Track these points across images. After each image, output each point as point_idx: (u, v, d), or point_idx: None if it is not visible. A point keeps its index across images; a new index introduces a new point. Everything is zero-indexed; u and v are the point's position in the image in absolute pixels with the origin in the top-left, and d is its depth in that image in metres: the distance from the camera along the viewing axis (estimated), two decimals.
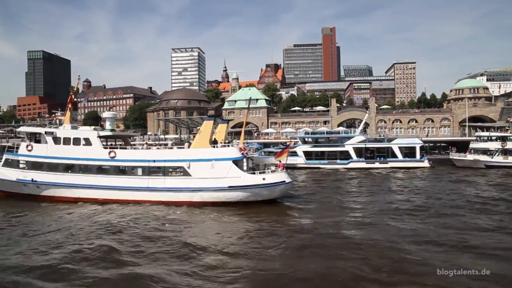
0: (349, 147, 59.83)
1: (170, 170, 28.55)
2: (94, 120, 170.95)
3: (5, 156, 32.77)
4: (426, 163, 57.14)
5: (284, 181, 28.41)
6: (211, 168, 27.66)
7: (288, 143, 50.97)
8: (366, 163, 58.94)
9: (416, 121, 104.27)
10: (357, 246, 18.18)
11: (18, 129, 34.83)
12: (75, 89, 36.14)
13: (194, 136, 73.91)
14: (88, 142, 30.61)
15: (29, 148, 31.52)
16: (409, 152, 58.08)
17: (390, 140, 60.95)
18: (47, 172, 30.71)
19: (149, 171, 28.72)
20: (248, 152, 36.40)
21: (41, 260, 16.85)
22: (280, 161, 30.24)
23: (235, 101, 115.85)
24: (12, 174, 31.66)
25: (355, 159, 59.63)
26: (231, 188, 27.48)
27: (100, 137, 30.96)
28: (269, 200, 28.48)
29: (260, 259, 16.76)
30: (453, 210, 26.55)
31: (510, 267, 15.46)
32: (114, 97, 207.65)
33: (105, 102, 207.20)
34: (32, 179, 30.84)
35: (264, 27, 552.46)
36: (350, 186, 40.91)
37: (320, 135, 63.68)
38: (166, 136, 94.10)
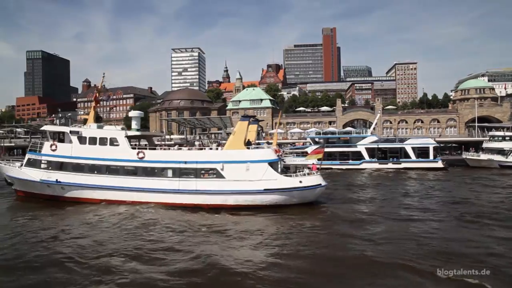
0: (361, 147, 59.07)
1: (203, 172, 27.60)
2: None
3: (27, 156, 31.72)
4: (439, 164, 56.40)
5: (320, 184, 27.67)
6: (246, 170, 26.83)
7: (300, 143, 49.95)
8: (379, 163, 58.17)
9: (422, 122, 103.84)
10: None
11: (41, 128, 33.74)
12: (100, 87, 34.79)
13: (200, 137, 73.32)
14: (115, 142, 29.64)
15: (53, 147, 30.54)
16: (422, 153, 57.31)
17: (402, 140, 60.24)
18: (72, 173, 29.70)
19: (180, 173, 27.81)
20: (282, 154, 35.56)
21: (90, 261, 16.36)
22: (313, 163, 29.61)
23: (239, 101, 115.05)
24: (35, 175, 30.63)
25: (367, 159, 58.87)
26: (267, 191, 26.66)
27: (127, 137, 29.99)
28: (303, 203, 27.74)
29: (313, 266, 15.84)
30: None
31: None
32: (114, 97, 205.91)
33: (105, 102, 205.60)
34: (57, 179, 29.80)
35: (262, 28, 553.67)
36: (379, 188, 39.39)
37: (331, 135, 62.90)
38: (172, 137, 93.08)
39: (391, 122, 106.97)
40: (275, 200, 27.00)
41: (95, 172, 29.44)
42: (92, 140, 30.01)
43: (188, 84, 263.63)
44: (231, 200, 27.00)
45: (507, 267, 15.09)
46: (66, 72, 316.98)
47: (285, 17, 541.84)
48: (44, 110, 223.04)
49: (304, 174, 27.67)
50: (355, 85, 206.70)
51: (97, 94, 34.13)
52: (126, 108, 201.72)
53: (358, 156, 59.30)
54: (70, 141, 30.49)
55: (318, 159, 29.88)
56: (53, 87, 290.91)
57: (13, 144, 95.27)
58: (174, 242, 19.14)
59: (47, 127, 33.06)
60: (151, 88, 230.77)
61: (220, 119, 64.33)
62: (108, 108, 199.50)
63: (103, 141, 29.80)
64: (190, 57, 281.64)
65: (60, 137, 31.44)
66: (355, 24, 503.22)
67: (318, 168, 28.96)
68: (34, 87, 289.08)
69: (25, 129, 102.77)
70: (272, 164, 27.21)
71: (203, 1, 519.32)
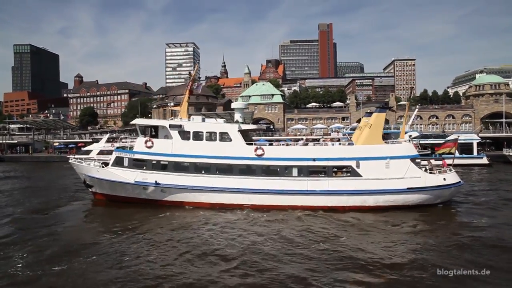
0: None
1: (335, 170, 24.75)
2: (91, 116, 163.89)
3: (115, 154, 27.45)
4: (484, 160, 54.00)
5: (460, 182, 25.70)
6: (385, 167, 24.24)
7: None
8: (421, 159, 55.31)
9: (437, 117, 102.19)
10: None
11: (132, 122, 29.49)
12: (193, 76, 30.24)
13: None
14: (226, 137, 26.16)
15: (149, 144, 26.52)
16: (466, 149, 54.80)
17: (443, 136, 57.57)
18: (174, 173, 25.95)
19: (309, 172, 24.68)
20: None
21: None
22: (443, 159, 27.84)
23: (249, 96, 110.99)
24: (128, 176, 26.59)
25: None
26: (410, 190, 24.09)
27: (241, 131, 26.39)
28: (438, 202, 25.74)
29: None
30: None
31: None
32: (109, 92, 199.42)
33: (99, 98, 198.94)
34: (156, 181, 25.94)
35: (252, 23, 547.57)
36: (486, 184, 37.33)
37: None
38: None
39: None
40: (419, 200, 24.73)
41: (203, 171, 25.84)
42: (198, 135, 26.53)
43: (183, 80, 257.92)
44: (370, 201, 24.54)
45: None
46: (55, 67, 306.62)
47: (273, 13, 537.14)
48: (34, 106, 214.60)
49: (440, 171, 25.58)
50: (356, 81, 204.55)
51: (191, 83, 29.86)
52: (120, 104, 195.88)
53: None
54: (166, 136, 26.81)
55: (450, 153, 26.95)
56: (42, 82, 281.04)
57: (15, 141, 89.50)
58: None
59: (139, 121, 28.76)
60: (145, 83, 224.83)
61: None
62: (106, 104, 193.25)
63: (211, 136, 26.32)
64: (184, 52, 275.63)
65: (152, 133, 27.68)
66: (343, 21, 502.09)
67: (449, 164, 26.59)
68: (22, 82, 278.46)
69: (28, 126, 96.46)
70: (414, 159, 24.93)
71: None
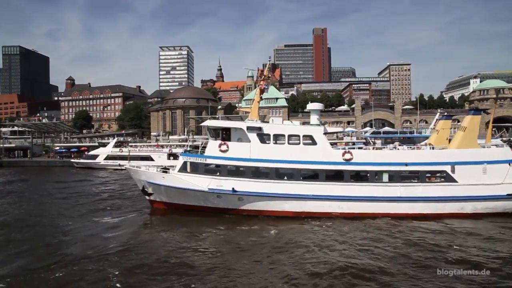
0: None
1: (428, 175, 23.36)
2: (85, 120, 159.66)
3: (183, 159, 24.96)
4: None
5: None
6: (482, 172, 23.07)
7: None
8: None
9: (435, 122, 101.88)
10: None
11: (202, 124, 26.83)
12: (266, 75, 27.59)
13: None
14: (310, 140, 24.25)
15: (224, 148, 24.20)
16: None
17: None
18: (253, 179, 23.70)
19: (401, 177, 23.38)
20: None
21: None
22: None
23: (253, 100, 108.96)
24: (199, 182, 24.09)
25: None
26: (511, 196, 22.75)
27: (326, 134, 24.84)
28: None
29: None
30: None
31: None
32: (102, 96, 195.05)
33: (92, 101, 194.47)
34: (233, 188, 23.50)
35: (242, 28, 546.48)
36: None
37: (392, 134, 58.13)
38: (170, 137, 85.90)
39: (411, 122, 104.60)
40: None
41: (285, 178, 23.83)
42: (279, 138, 24.46)
43: (177, 84, 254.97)
44: (468, 208, 23.04)
45: None
46: (45, 69, 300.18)
47: (263, 18, 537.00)
48: (24, 109, 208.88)
49: None
50: (353, 85, 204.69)
51: (263, 83, 27.55)
52: (114, 107, 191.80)
53: None
54: (239, 139, 24.70)
55: None
56: (32, 85, 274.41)
57: (13, 145, 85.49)
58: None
59: (210, 122, 26.13)
60: (139, 86, 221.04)
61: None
62: (102, 107, 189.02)
63: (293, 139, 24.42)
64: (178, 55, 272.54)
65: (223, 135, 25.31)
66: (331, 27, 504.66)
67: None
68: (11, 85, 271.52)
69: (28, 129, 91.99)
70: None
71: (180, 0, 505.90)
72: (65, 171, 59.74)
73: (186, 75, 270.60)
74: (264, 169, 23.88)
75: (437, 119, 69.10)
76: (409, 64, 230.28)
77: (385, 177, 23.54)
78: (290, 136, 24.49)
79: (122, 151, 63.48)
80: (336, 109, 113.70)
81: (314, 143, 24.21)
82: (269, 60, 28.81)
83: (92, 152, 67.32)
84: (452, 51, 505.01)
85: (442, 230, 20.64)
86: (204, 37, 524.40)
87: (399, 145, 27.73)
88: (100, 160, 63.88)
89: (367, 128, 77.45)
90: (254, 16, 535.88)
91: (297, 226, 21.92)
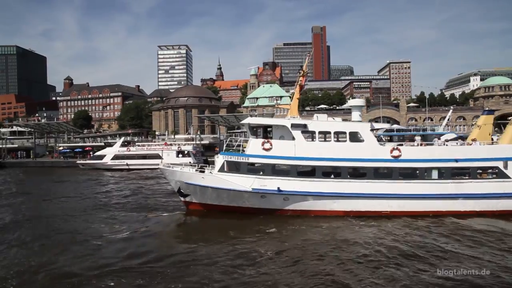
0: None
1: (479, 171, 22.97)
2: (85, 120, 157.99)
3: (223, 158, 23.84)
4: None
5: None
6: None
7: None
8: None
9: (448, 119, 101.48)
10: None
11: (242, 122, 25.91)
12: (304, 71, 26.77)
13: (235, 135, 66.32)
14: (357, 137, 23.42)
15: (267, 146, 23.13)
16: None
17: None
18: (299, 179, 22.82)
19: (452, 174, 22.84)
20: None
21: None
22: None
23: (257, 98, 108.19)
24: (243, 182, 23.06)
25: None
26: None
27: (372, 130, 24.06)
28: None
29: None
30: None
31: None
32: (101, 95, 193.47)
33: (91, 101, 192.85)
34: (278, 188, 22.56)
35: (239, 27, 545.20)
36: None
37: (405, 132, 57.17)
38: (177, 136, 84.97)
39: (416, 120, 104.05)
40: None
41: (332, 176, 23.03)
42: (324, 135, 23.96)
43: (176, 83, 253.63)
44: None
45: None
46: (43, 69, 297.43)
47: (259, 17, 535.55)
48: (22, 110, 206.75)
49: None
50: (354, 83, 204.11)
51: (303, 79, 26.66)
52: (114, 107, 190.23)
53: None
54: (282, 137, 23.75)
55: None
56: (29, 85, 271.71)
57: (15, 146, 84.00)
58: None
59: (251, 120, 25.48)
60: (138, 86, 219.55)
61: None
62: (102, 107, 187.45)
63: (340, 137, 23.94)
64: (177, 54, 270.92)
65: (263, 133, 24.70)
66: (328, 25, 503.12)
67: None
68: (8, 85, 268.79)
69: (29, 129, 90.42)
70: None
71: (175, 0, 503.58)
72: (73, 172, 58.54)
73: (185, 74, 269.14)
74: (310, 167, 23.11)
75: (449, 117, 68.45)
76: (409, 62, 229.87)
77: (434, 173, 22.98)
78: (336, 133, 23.74)
79: (129, 151, 62.38)
80: (342, 107, 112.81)
81: (361, 140, 23.38)
82: (308, 55, 27.64)
83: (98, 153, 66.01)
84: (449, 49, 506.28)
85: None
86: (200, 37, 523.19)
87: (446, 141, 27.24)
88: (107, 160, 62.64)
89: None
90: (250, 15, 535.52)
91: (346, 225, 21.27)
